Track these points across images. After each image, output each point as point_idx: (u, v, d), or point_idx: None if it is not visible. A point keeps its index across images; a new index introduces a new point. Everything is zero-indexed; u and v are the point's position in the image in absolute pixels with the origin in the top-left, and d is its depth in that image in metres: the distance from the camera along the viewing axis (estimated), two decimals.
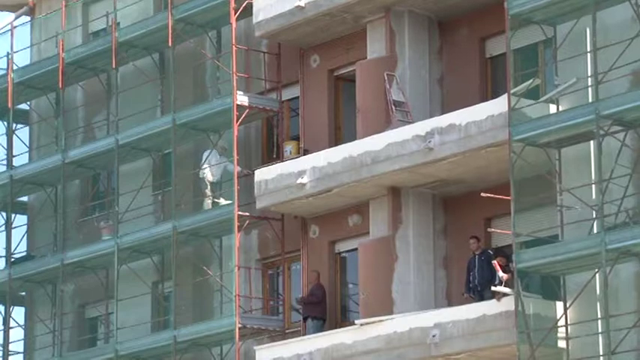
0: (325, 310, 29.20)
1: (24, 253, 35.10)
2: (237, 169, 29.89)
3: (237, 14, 30.15)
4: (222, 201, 30.26)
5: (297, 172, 28.90)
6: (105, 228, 32.57)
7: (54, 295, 33.95)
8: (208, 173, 30.85)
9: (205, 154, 31.48)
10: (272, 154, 30.96)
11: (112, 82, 32.63)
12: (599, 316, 24.17)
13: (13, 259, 34.72)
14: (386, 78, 28.45)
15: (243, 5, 30.12)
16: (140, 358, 31.56)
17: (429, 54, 28.92)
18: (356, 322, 27.95)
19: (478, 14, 27.65)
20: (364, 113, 28.82)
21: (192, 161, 32.04)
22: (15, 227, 35.35)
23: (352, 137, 29.00)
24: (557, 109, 25.25)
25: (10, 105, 34.60)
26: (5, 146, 35.23)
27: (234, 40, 30.29)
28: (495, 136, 25.54)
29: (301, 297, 29.62)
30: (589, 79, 24.58)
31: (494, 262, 25.62)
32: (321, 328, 28.83)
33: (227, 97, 30.22)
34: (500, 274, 25.45)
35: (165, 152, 32.24)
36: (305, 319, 29.26)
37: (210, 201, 30.24)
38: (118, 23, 32.65)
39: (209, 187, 30.80)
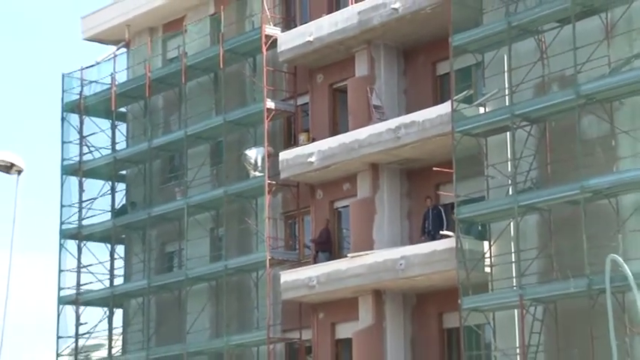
0: (332, 245, 29.11)
1: (123, 208, 35.26)
2: (269, 150, 30.02)
3: (267, 46, 29.94)
4: (257, 174, 30.38)
5: (308, 154, 28.78)
6: (178, 192, 32.61)
7: (144, 237, 34.01)
8: (250, 157, 30.95)
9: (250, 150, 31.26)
10: (290, 141, 30.66)
11: (182, 92, 32.66)
12: (512, 250, 24.26)
13: (115, 212, 35.00)
14: (368, 90, 28.35)
15: (271, 40, 29.95)
16: (202, 279, 31.43)
17: (397, 74, 28.70)
18: (348, 255, 27.81)
19: (431, 46, 27.42)
20: (353, 114, 28.76)
21: (236, 147, 31.51)
22: (117, 191, 35.29)
23: (345, 130, 28.77)
24: (485, 110, 25.25)
25: (113, 108, 34.55)
26: (110, 136, 35.29)
27: (264, 64, 30.04)
28: (443, 129, 25.51)
29: (312, 238, 29.56)
30: (506, 90, 24.60)
31: (444, 232, 25.79)
32: (329, 258, 28.61)
33: (260, 103, 30.04)
34: (446, 232, 25.67)
35: (218, 140, 32.05)
36: (317, 252, 29.07)
37: (252, 173, 30.30)
38: (186, 53, 32.44)
39: (252, 166, 30.88)
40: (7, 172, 20.69)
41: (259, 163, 30.73)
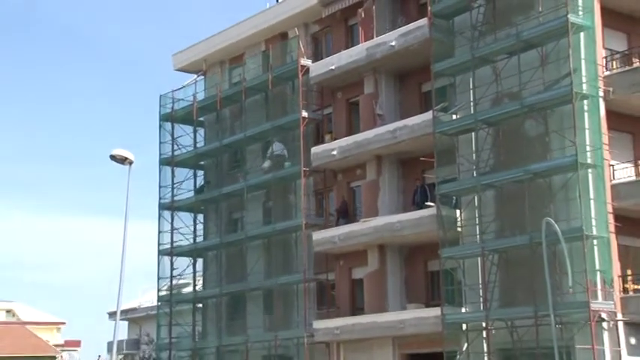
0: (349, 213, 28.80)
1: (202, 188, 35.33)
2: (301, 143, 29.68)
3: (302, 73, 29.64)
4: (266, 164, 30.89)
5: (331, 149, 28.59)
6: (240, 176, 32.27)
7: (216, 208, 33.61)
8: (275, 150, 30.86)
9: (275, 144, 31.20)
10: (319, 140, 30.29)
11: (242, 106, 32.49)
12: (476, 216, 24.19)
13: (196, 191, 35.07)
14: (373, 103, 28.23)
15: (305, 69, 29.64)
16: (257, 237, 31.15)
17: (394, 91, 28.34)
18: (360, 220, 27.66)
19: (418, 71, 26.98)
20: (363, 120, 28.64)
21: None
22: (198, 176, 35.05)
23: (357, 131, 28.45)
24: (456, 117, 25.02)
25: (195, 118, 34.46)
26: (192, 137, 35.04)
27: (300, 86, 29.74)
28: (426, 130, 25.31)
29: (335, 208, 29.32)
30: (471, 102, 24.48)
31: (428, 203, 25.62)
32: (347, 222, 28.16)
33: (296, 114, 29.79)
34: (430, 203, 25.56)
35: (267, 140, 31.50)
36: (338, 218, 28.78)
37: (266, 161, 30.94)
38: (245, 78, 32.16)
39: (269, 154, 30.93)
40: (122, 164, 21.11)
41: (274, 154, 30.78)
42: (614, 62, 23.51)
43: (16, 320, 62.51)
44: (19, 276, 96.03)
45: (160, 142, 35.37)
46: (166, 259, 34.43)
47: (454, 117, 25.09)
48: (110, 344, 41.55)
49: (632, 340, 21.60)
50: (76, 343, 64.05)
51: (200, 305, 34.42)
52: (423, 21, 25.96)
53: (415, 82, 27.90)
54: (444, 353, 23.67)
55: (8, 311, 64.77)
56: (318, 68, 29.59)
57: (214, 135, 34.22)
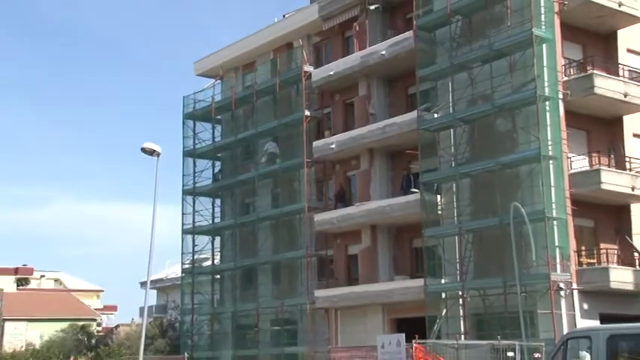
0: (345, 198, 28.81)
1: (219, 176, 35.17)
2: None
3: (305, 78, 29.56)
4: (264, 159, 30.73)
5: (330, 143, 28.54)
6: (252, 166, 32.12)
7: (232, 193, 33.27)
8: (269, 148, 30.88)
9: (268, 144, 31.23)
10: (320, 135, 30.12)
11: (254, 106, 32.15)
12: (454, 201, 24.22)
13: (214, 178, 34.71)
14: (367, 103, 28.22)
15: (307, 74, 29.57)
16: (267, 219, 30.87)
17: (384, 93, 28.30)
18: (355, 204, 27.65)
19: (405, 76, 26.85)
20: (357, 118, 28.57)
21: (287, 140, 30.53)
22: (216, 166, 34.80)
23: (353, 128, 28.28)
24: (437, 115, 24.96)
25: (213, 116, 34.18)
26: (211, 133, 34.73)
27: (303, 89, 29.55)
28: (412, 127, 25.27)
29: (334, 194, 29.26)
30: (450, 103, 24.40)
31: (413, 190, 25.56)
32: (344, 206, 28.18)
33: (300, 112, 29.58)
34: (414, 190, 25.51)
35: (276, 136, 31.37)
36: (336, 202, 28.73)
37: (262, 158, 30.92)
38: (257, 82, 32.01)
39: (264, 152, 30.68)
40: (151, 155, 21.17)
41: (268, 152, 30.69)
42: (572, 69, 23.59)
43: (63, 288, 62.91)
44: (65, 251, 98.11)
45: (183, 137, 35.15)
46: (189, 237, 34.31)
47: (435, 115, 25.05)
48: (142, 309, 41.74)
49: (585, 306, 21.74)
50: (113, 308, 64.24)
51: (218, 276, 34.19)
52: (409, 33, 25.93)
53: (402, 85, 27.84)
54: (426, 318, 23.71)
55: (56, 280, 65.10)
56: (318, 73, 29.49)
57: (230, 131, 34.02)
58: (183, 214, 34.66)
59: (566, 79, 23.05)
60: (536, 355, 18.79)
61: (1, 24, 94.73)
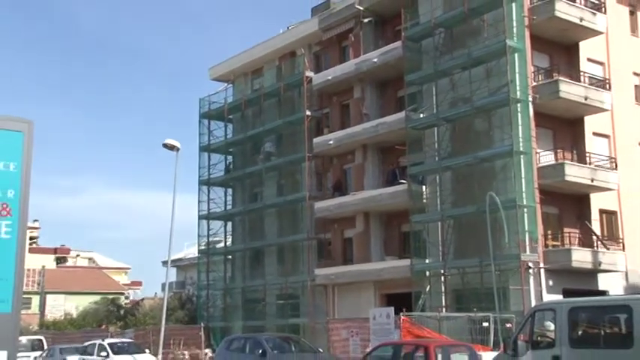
0: (342, 188, 28.73)
1: (226, 171, 35.02)
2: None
3: (306, 82, 29.48)
4: (262, 156, 30.77)
5: (328, 139, 28.45)
6: (260, 160, 31.92)
7: (242, 184, 33.32)
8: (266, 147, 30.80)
9: (267, 144, 31.19)
10: (319, 132, 29.95)
11: (261, 107, 32.06)
12: (437, 191, 24.17)
13: (226, 170, 34.82)
14: (360, 104, 28.22)
15: (308, 79, 29.57)
16: (272, 206, 30.76)
17: (376, 96, 28.20)
18: (351, 193, 27.60)
19: (394, 81, 26.76)
20: (352, 117, 28.54)
21: (290, 137, 30.36)
22: (228, 160, 34.75)
23: (348, 126, 28.22)
24: (423, 115, 24.90)
25: (225, 116, 34.03)
26: (224, 130, 34.55)
27: (305, 92, 29.38)
28: (400, 125, 25.27)
29: (332, 184, 29.23)
30: (434, 104, 24.35)
31: (401, 181, 25.45)
32: (340, 195, 28.03)
33: (302, 113, 29.39)
34: (402, 181, 25.38)
35: (280, 133, 31.34)
36: (334, 192, 28.66)
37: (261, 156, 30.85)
38: (264, 86, 32.00)
39: (262, 151, 30.66)
40: (172, 150, 21.28)
41: (265, 150, 30.62)
42: (540, 76, 23.58)
43: (95, 266, 63.42)
44: (97, 233, 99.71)
45: (200, 134, 35.02)
46: (204, 222, 34.24)
47: (421, 116, 25.03)
48: (163, 285, 41.82)
49: (550, 282, 21.77)
50: (139, 284, 64.56)
51: (229, 257, 34.13)
52: (398, 43, 25.90)
53: (392, 89, 27.77)
54: (412, 293, 23.75)
55: (90, 259, 65.78)
56: (318, 78, 29.46)
57: (240, 129, 33.87)
58: (199, 201, 34.63)
59: (535, 84, 23.09)
60: (508, 325, 18.92)
61: (45, 36, 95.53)
